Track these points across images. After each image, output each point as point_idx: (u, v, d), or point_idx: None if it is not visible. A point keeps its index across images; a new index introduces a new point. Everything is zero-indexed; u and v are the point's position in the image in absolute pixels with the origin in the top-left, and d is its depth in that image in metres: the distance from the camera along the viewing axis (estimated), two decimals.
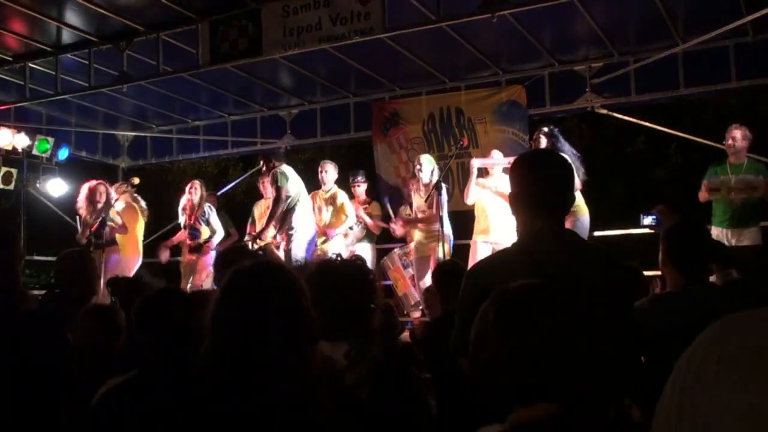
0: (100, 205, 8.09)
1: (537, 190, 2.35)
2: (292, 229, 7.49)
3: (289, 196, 7.55)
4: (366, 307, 2.43)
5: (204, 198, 8.52)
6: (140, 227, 8.69)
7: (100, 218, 7.89)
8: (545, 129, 7.13)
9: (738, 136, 6.85)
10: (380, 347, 2.45)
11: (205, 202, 8.50)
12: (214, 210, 8.55)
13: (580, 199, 6.87)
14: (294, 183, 7.65)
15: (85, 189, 8.26)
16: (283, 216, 7.53)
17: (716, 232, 6.66)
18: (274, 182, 7.59)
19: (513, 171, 2.48)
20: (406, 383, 2.35)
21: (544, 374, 1.44)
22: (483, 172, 7.60)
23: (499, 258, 2.51)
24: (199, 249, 8.38)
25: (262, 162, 8.03)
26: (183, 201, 8.60)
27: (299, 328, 1.81)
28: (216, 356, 1.77)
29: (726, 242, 6.57)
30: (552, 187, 2.36)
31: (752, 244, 6.55)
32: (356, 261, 2.65)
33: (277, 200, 7.55)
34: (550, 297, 1.53)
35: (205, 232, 8.39)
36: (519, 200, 2.40)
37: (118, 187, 8.62)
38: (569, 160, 6.72)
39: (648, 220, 3.37)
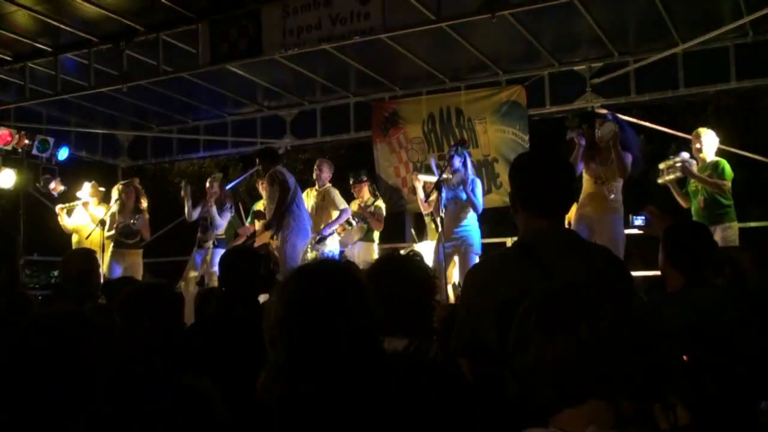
0: (130, 204, 8.23)
1: (538, 189, 2.34)
2: (288, 228, 7.44)
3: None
4: (426, 304, 2.42)
5: (225, 192, 8.55)
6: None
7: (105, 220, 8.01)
8: (610, 116, 6.94)
9: (700, 143, 6.96)
10: (440, 345, 2.44)
11: (227, 198, 8.53)
12: (232, 210, 8.56)
13: (620, 196, 6.70)
14: (291, 182, 7.63)
15: (114, 190, 8.47)
16: (280, 216, 7.47)
17: None
18: (274, 182, 7.53)
19: (513, 171, 2.47)
20: (463, 383, 2.34)
21: (592, 373, 1.40)
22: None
23: (500, 258, 2.49)
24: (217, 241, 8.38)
25: (257, 161, 7.96)
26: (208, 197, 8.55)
27: (370, 328, 1.79)
28: (289, 363, 1.73)
29: None
30: (553, 186, 2.35)
31: (727, 245, 6.56)
32: (415, 257, 2.64)
33: (285, 192, 7.47)
34: (595, 295, 1.49)
35: (222, 227, 8.39)
36: (519, 200, 2.38)
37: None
38: (633, 154, 6.53)
39: (639, 220, 3.37)
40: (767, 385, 2.77)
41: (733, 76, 7.99)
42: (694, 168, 6.85)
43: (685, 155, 6.90)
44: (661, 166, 7.04)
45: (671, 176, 6.94)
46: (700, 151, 6.97)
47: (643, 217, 3.37)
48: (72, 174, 10.23)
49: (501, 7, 6.34)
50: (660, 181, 7.07)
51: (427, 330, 2.43)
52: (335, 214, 8.14)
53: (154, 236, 10.20)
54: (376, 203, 8.54)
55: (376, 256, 8.24)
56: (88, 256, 4.95)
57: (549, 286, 1.57)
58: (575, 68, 8.73)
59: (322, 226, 8.08)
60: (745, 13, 6.84)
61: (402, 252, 2.59)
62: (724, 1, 7.01)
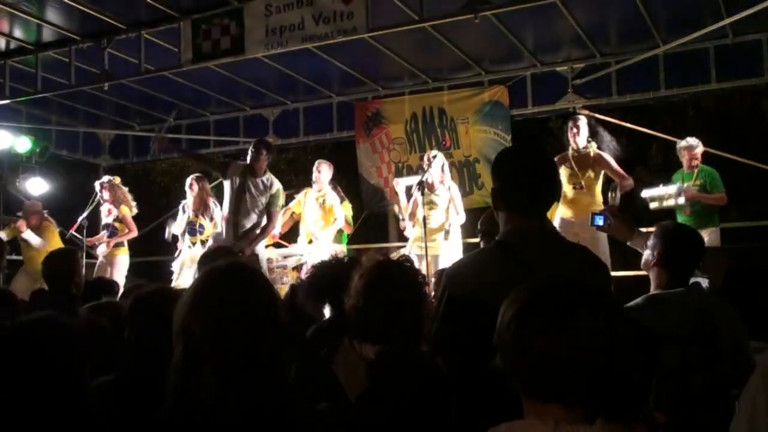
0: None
1: (521, 187, 2.30)
2: None
3: None
4: (415, 310, 2.38)
5: (208, 193, 8.25)
6: None
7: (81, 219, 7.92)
8: (582, 117, 7.25)
9: (697, 153, 7.29)
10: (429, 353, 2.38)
11: (209, 197, 8.26)
12: (218, 206, 8.44)
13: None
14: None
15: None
16: None
17: None
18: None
19: (496, 167, 2.42)
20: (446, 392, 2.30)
21: (566, 377, 1.37)
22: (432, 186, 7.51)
23: (480, 256, 2.46)
24: (203, 245, 8.25)
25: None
26: (189, 200, 8.29)
27: (277, 336, 1.78)
28: (192, 365, 1.71)
29: None
30: (537, 184, 2.32)
31: (710, 246, 6.70)
32: (406, 263, 2.60)
33: None
34: (579, 296, 1.43)
35: (208, 228, 8.28)
36: (502, 197, 2.35)
37: None
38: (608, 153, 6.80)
39: (599, 220, 3.37)
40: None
41: (713, 78, 8.07)
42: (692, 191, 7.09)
43: (674, 187, 7.10)
44: (654, 194, 7.20)
45: (670, 202, 7.10)
46: (692, 161, 7.27)
47: (602, 217, 3.37)
48: (52, 173, 10.15)
49: (483, 7, 6.36)
50: (656, 207, 7.19)
51: (416, 337, 2.40)
52: (332, 220, 8.00)
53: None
54: (342, 204, 8.39)
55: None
56: (67, 257, 4.89)
57: (537, 279, 1.54)
58: (557, 69, 8.77)
59: (316, 229, 7.98)
60: (725, 15, 6.91)
61: (393, 257, 2.52)
62: (705, 4, 7.07)
